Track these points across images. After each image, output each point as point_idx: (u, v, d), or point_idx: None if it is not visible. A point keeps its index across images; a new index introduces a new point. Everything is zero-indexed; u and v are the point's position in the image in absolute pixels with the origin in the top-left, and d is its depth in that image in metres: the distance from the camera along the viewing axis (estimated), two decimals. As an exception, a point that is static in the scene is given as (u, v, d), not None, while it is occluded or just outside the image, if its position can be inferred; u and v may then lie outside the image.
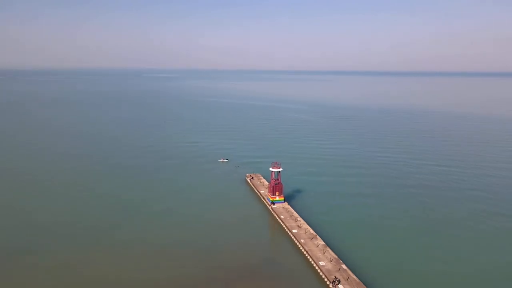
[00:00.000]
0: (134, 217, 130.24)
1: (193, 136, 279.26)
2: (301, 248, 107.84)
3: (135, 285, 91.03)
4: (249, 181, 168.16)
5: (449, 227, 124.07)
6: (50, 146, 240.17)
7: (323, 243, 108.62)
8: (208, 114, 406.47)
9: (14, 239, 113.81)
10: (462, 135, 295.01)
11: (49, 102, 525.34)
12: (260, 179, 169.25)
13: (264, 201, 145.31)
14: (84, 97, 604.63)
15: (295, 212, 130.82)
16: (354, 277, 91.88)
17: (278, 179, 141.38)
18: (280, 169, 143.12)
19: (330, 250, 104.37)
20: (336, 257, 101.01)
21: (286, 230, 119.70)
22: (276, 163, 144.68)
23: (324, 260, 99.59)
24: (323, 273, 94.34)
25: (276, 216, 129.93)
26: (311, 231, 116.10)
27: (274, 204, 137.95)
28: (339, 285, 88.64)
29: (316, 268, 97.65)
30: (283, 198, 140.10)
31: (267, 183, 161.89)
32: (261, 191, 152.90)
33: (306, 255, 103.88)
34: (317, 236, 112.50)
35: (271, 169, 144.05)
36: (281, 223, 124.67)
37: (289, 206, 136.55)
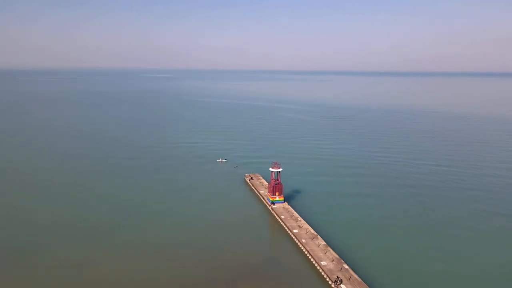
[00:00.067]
0: (134, 217, 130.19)
1: (193, 136, 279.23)
2: (302, 248, 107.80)
3: (135, 285, 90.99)
4: (248, 181, 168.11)
5: (449, 227, 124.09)
6: (50, 146, 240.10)
7: (324, 243, 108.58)
8: (207, 115, 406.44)
9: (14, 239, 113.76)
10: (462, 135, 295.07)
11: (49, 102, 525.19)
12: (260, 179, 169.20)
13: (264, 201, 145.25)
14: (84, 97, 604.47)
15: (295, 212, 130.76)
16: (356, 276, 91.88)
17: (278, 179, 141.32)
18: (280, 169, 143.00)
19: (331, 250, 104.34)
20: (337, 256, 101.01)
21: (287, 230, 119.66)
22: (276, 163, 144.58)
23: (326, 260, 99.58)
24: (325, 273, 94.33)
25: (277, 216, 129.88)
26: (312, 231, 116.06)
27: (274, 204, 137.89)
28: (341, 285, 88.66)
29: (318, 268, 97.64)
30: (283, 198, 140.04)
31: (267, 183, 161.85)
32: (261, 191, 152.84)
33: (308, 255, 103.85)
34: (318, 236, 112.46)
35: (271, 169, 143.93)
36: (282, 223, 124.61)
37: (289, 206, 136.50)
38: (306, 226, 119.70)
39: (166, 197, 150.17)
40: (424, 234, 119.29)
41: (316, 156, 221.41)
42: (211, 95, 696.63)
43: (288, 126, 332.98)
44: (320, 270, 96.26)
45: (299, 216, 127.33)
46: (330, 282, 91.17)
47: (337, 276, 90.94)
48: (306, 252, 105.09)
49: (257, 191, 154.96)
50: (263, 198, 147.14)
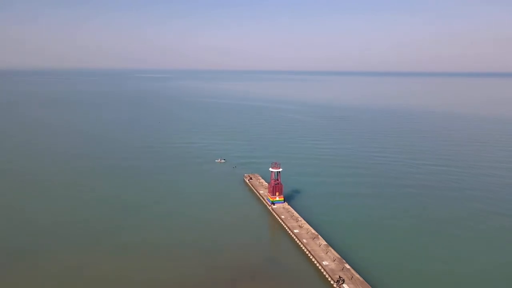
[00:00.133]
0: (133, 217, 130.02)
1: (192, 136, 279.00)
2: (303, 248, 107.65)
3: (135, 285, 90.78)
4: (247, 181, 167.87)
5: (449, 227, 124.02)
6: (50, 146, 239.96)
7: (325, 242, 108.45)
8: (206, 115, 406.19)
9: (14, 239, 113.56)
10: (462, 135, 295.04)
11: (49, 102, 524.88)
12: (259, 179, 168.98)
13: (264, 202, 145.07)
14: (84, 97, 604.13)
15: (295, 212, 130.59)
16: (358, 276, 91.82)
17: (278, 180, 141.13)
18: (280, 170, 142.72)
19: (332, 250, 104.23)
20: (339, 256, 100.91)
21: (287, 230, 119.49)
22: (276, 163, 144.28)
23: (327, 259, 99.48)
24: (326, 272, 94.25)
25: (277, 217, 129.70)
26: (313, 231, 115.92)
27: (274, 205, 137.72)
28: (344, 285, 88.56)
29: (320, 267, 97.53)
30: (283, 199, 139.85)
31: (266, 183, 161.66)
32: (260, 192, 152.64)
33: (309, 255, 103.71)
34: (319, 236, 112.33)
35: (271, 169, 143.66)
36: (282, 223, 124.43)
37: (289, 206, 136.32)
38: (307, 226, 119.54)
39: (165, 197, 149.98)
40: (424, 233, 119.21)
41: (315, 156, 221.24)
42: (210, 95, 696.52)
43: (287, 126, 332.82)
44: (322, 270, 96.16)
45: (299, 216, 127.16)
46: (332, 282, 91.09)
47: (339, 276, 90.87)
48: (307, 252, 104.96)
49: (257, 191, 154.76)
50: (263, 198, 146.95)
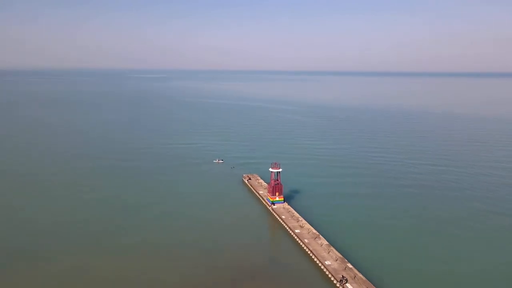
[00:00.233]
0: (133, 217, 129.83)
1: (191, 137, 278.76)
2: (305, 248, 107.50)
3: (135, 286, 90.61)
4: (246, 181, 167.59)
5: (449, 227, 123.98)
6: (50, 146, 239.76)
7: (326, 242, 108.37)
8: (205, 115, 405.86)
9: (14, 239, 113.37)
10: (462, 135, 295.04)
11: (49, 102, 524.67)
12: (258, 179, 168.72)
13: (264, 202, 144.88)
14: (84, 98, 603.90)
15: (295, 213, 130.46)
16: (361, 275, 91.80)
17: (277, 180, 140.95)
18: (280, 170, 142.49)
19: (334, 250, 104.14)
20: (341, 256, 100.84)
21: (288, 230, 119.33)
22: (275, 163, 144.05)
23: (329, 259, 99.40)
24: (329, 272, 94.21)
25: (277, 217, 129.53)
26: (314, 230, 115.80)
27: (274, 205, 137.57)
28: (347, 284, 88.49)
29: (322, 267, 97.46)
30: (283, 199, 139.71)
31: (265, 183, 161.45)
32: (260, 192, 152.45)
33: (311, 254, 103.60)
34: (320, 236, 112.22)
35: (270, 169, 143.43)
36: (283, 223, 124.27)
37: (289, 207, 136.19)
38: (308, 226, 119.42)
39: (165, 198, 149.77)
40: (424, 233, 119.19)
41: (315, 156, 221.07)
42: (209, 95, 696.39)
43: (286, 127, 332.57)
44: (325, 270, 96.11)
45: (300, 216, 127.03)
46: (335, 282, 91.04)
47: (342, 276, 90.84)
48: (309, 252, 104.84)
49: (256, 191, 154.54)
50: (262, 199, 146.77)
